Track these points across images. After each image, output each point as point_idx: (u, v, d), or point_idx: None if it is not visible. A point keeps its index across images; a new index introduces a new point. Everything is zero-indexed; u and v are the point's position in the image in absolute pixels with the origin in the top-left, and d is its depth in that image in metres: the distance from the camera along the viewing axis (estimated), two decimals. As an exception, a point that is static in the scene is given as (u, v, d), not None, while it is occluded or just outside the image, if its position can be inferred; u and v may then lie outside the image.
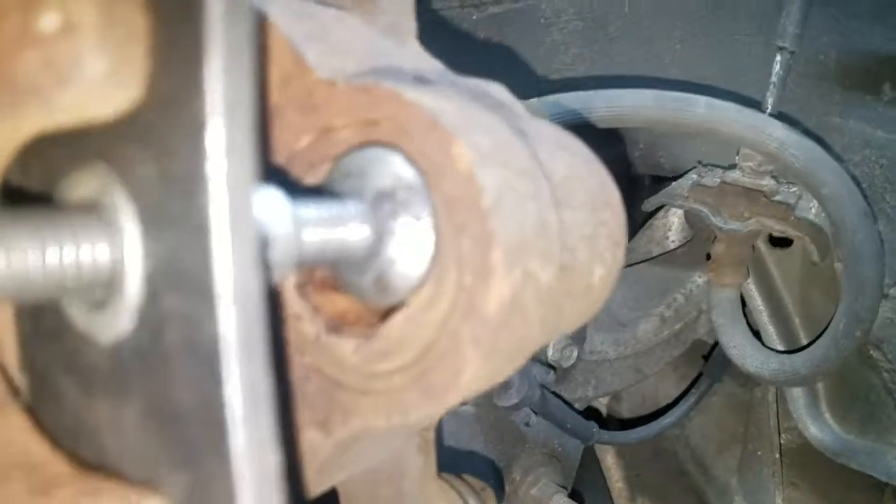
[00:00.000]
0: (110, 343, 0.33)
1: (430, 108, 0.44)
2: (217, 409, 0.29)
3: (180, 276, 0.30)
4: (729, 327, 1.38)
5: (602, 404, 1.80)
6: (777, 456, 1.54)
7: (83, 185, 0.33)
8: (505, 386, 1.41)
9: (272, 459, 0.31)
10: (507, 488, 1.50)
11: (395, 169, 0.45)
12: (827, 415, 1.38)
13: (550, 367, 1.52)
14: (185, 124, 0.29)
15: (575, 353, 1.54)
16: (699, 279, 1.57)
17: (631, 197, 1.59)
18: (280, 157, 0.50)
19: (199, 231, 0.29)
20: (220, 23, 0.28)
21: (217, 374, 0.29)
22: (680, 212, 1.51)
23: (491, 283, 0.42)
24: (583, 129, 1.23)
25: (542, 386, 1.49)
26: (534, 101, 1.08)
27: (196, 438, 0.31)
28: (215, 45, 0.28)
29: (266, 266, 0.36)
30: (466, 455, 1.42)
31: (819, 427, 1.37)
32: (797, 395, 1.38)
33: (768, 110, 1.15)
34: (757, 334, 1.41)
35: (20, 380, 0.39)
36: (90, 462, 0.35)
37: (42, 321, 0.37)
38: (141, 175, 0.31)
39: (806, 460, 1.49)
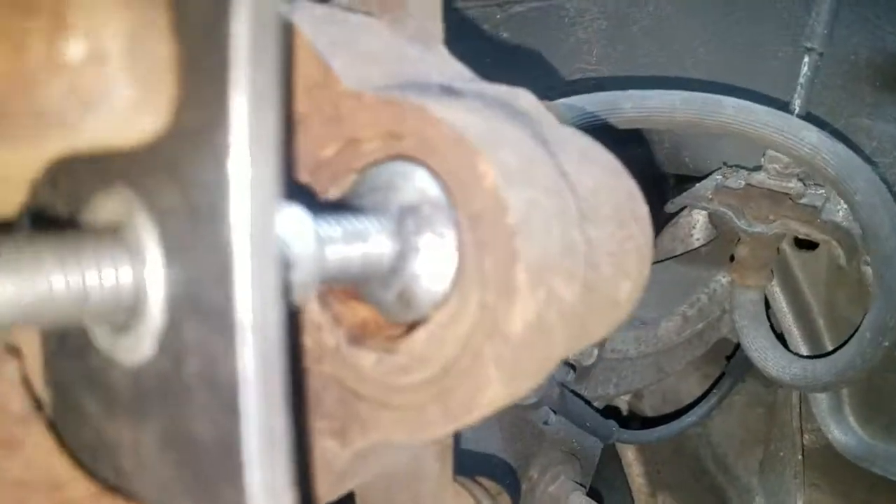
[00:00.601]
0: (132, 366, 0.33)
1: (456, 124, 0.44)
2: (234, 447, 0.29)
3: (202, 305, 0.30)
4: (751, 329, 1.37)
5: (623, 402, 1.80)
6: (799, 457, 1.52)
7: (107, 208, 0.33)
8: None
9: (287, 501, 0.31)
10: (525, 486, 1.49)
11: (420, 184, 0.45)
12: (851, 418, 1.37)
13: (570, 365, 1.51)
14: (210, 153, 0.29)
15: (595, 352, 1.53)
16: (723, 278, 1.55)
17: (655, 195, 1.58)
18: (305, 166, 0.49)
19: (221, 261, 0.29)
20: (246, 54, 0.28)
21: (235, 410, 0.29)
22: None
23: (515, 302, 0.42)
24: (608, 127, 1.23)
25: (562, 384, 1.48)
26: (560, 102, 1.07)
27: (213, 470, 0.30)
28: (241, 76, 0.28)
29: (288, 290, 0.36)
30: (483, 457, 1.42)
31: (842, 430, 1.36)
32: (821, 397, 1.37)
33: (796, 111, 1.13)
34: (781, 336, 1.40)
35: (43, 395, 0.39)
36: (108, 481, 0.35)
37: (67, 339, 0.37)
38: (165, 201, 0.31)
39: (828, 462, 1.47)
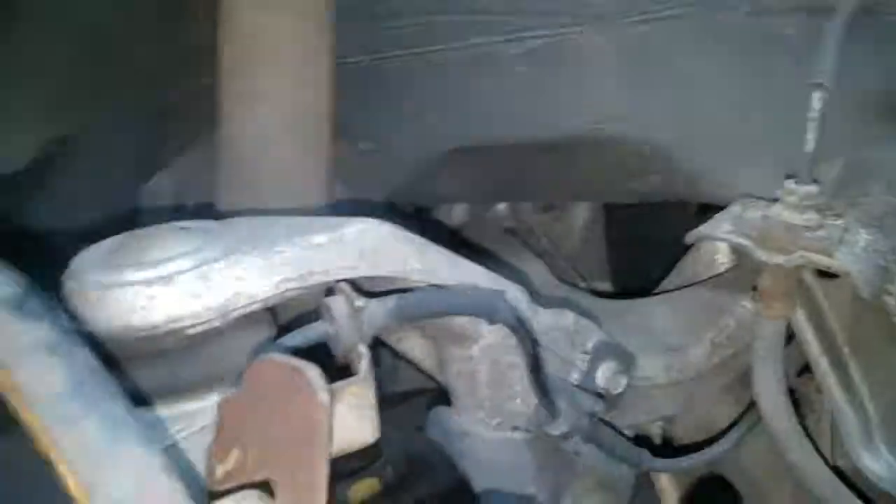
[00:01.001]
0: None
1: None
2: None
3: None
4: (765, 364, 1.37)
5: (656, 428, 1.80)
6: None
7: None
8: (553, 414, 1.42)
9: None
10: (558, 517, 1.51)
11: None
12: (881, 444, 1.36)
13: (599, 395, 1.52)
14: None
15: (624, 381, 1.54)
16: (749, 304, 1.56)
17: (678, 221, 1.58)
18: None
19: None
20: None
21: None
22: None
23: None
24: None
25: (592, 413, 1.49)
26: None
27: None
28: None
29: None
30: (518, 499, 1.44)
31: (873, 456, 1.35)
32: (851, 423, 1.37)
33: (810, 148, 1.14)
34: (807, 367, 1.40)
35: None
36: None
37: None
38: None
39: (861, 487, 1.47)
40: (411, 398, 1.65)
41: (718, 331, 1.60)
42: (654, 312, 1.69)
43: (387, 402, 1.03)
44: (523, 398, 1.43)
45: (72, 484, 0.66)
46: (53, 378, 0.72)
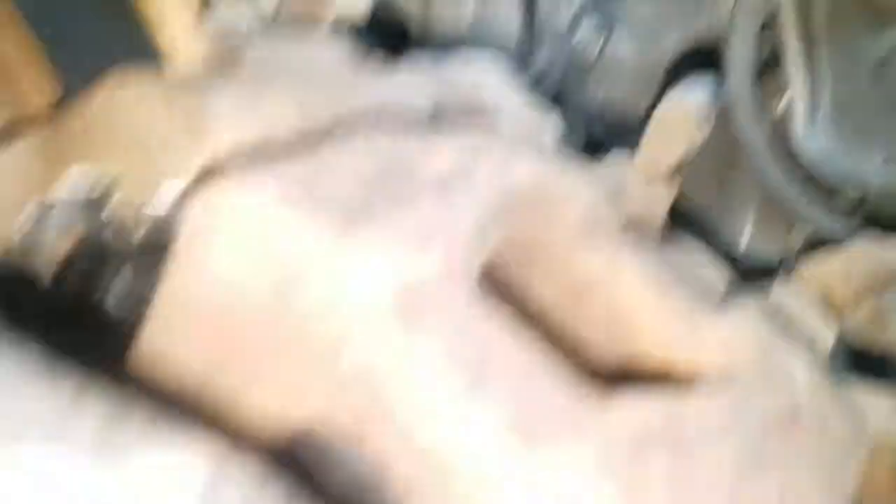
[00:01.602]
0: None
1: None
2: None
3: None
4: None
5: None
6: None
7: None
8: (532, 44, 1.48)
9: None
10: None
11: None
12: (822, 131, 1.48)
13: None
14: None
15: (599, 45, 1.61)
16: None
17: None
18: None
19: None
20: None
21: None
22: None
23: None
24: None
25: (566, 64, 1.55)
26: None
27: None
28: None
29: None
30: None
31: (811, 138, 1.48)
32: (803, 104, 1.48)
33: None
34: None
35: None
36: None
37: None
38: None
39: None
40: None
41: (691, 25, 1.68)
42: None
43: None
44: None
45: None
46: None
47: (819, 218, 1.52)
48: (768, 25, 1.51)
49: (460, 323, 0.75)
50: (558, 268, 0.95)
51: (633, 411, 0.71)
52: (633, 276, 0.89)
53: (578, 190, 0.98)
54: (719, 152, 1.76)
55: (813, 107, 1.47)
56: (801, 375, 0.75)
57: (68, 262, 0.93)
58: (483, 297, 0.80)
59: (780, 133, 1.52)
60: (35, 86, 1.09)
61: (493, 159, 0.92)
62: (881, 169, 1.39)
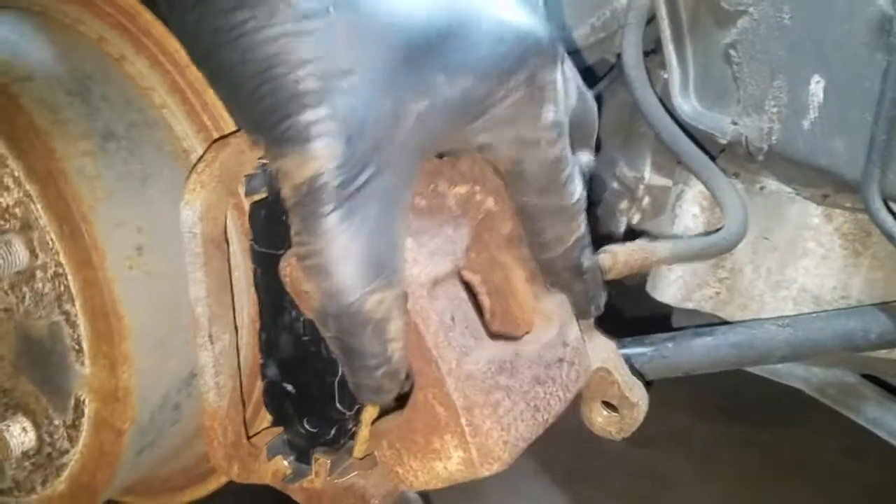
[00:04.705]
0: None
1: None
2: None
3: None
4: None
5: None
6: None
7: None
8: None
9: None
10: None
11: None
12: (692, 94, 2.05)
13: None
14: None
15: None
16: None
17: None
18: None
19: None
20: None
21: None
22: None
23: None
24: None
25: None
26: None
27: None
28: None
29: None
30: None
31: (685, 101, 2.05)
32: (677, 75, 2.05)
33: None
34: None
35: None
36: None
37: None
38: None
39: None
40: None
41: (597, 18, 2.22)
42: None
43: None
44: None
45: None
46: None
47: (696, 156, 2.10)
48: (650, 21, 2.07)
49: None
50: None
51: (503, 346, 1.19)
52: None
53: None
54: (623, 113, 2.36)
55: (684, 80, 2.05)
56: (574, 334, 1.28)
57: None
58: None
59: (663, 98, 2.09)
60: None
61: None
62: (730, 128, 1.96)
